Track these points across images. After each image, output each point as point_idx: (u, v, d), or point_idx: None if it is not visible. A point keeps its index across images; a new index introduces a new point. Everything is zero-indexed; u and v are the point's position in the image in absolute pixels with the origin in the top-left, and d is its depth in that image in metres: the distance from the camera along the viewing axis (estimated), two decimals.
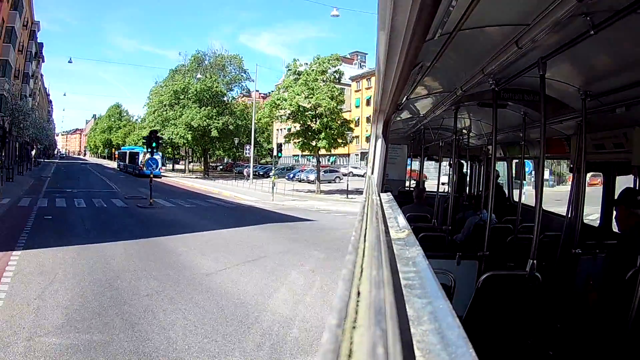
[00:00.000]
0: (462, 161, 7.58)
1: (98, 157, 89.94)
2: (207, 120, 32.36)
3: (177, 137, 33.13)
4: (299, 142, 23.17)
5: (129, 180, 28.17)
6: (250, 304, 4.89)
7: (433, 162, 8.85)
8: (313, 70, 22.24)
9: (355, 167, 41.15)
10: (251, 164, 31.18)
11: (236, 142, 35.30)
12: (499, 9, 2.12)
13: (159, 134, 17.49)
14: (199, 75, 33.85)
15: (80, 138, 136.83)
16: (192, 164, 50.04)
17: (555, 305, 2.91)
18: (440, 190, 6.30)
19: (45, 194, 17.12)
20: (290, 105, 21.74)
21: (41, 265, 6.02)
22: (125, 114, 75.65)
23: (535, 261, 2.26)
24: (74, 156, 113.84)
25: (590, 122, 3.17)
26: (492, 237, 2.95)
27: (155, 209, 13.85)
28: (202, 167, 41.85)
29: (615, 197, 4.02)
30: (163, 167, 36.65)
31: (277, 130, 43.11)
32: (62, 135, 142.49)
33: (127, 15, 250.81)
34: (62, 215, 11.45)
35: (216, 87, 34.19)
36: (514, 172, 6.71)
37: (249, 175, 29.13)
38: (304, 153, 33.54)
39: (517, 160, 6.35)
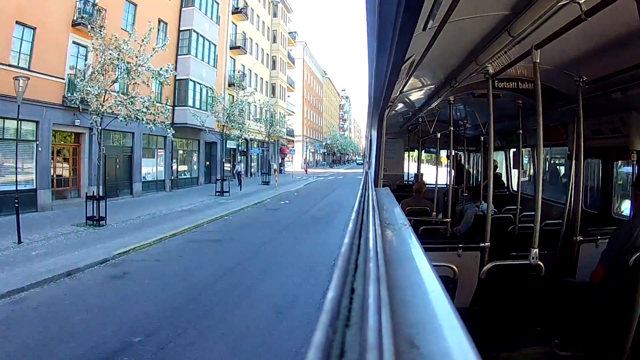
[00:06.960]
0: (459, 152, 7.56)
1: None
2: None
3: None
4: None
5: None
6: None
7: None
8: None
9: None
10: None
11: None
12: None
13: None
14: None
15: None
16: None
17: (559, 293, 2.90)
18: (439, 182, 6.29)
19: None
20: None
21: None
22: None
23: (537, 250, 2.25)
24: None
25: (587, 108, 3.15)
26: (493, 228, 2.93)
27: None
28: None
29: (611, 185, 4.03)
30: None
31: None
32: None
33: None
34: None
35: None
36: (511, 161, 6.70)
37: None
38: None
39: (514, 150, 6.34)
